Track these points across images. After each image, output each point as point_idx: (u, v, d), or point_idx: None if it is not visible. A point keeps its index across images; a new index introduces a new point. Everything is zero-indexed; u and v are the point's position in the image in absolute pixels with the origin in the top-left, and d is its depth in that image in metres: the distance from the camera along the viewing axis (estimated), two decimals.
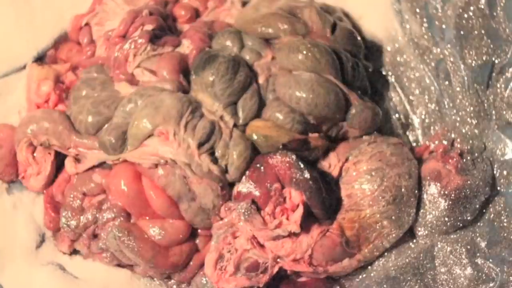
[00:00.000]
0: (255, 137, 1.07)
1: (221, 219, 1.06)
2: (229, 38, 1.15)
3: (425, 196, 1.10)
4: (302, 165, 1.02)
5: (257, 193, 1.04)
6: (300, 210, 1.01)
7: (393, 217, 1.07)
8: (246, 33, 1.15)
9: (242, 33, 1.16)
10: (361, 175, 1.08)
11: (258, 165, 1.05)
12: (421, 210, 1.10)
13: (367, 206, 1.06)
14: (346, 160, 1.10)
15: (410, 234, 1.12)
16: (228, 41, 1.14)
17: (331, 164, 1.10)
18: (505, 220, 1.09)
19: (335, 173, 1.09)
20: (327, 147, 1.11)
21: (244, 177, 1.06)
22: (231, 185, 1.08)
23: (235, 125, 1.08)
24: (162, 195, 1.06)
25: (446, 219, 1.09)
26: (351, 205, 1.07)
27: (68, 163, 1.12)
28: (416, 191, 1.09)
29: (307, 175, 1.01)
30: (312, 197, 1.01)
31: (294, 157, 1.03)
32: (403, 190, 1.08)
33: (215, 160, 1.06)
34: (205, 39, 1.15)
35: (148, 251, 1.06)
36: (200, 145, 1.04)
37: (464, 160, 1.12)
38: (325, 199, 1.02)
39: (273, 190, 1.03)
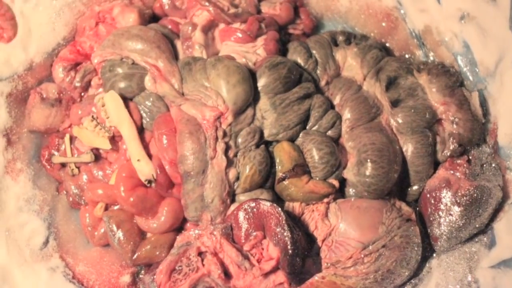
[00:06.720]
0: (276, 156, 1.06)
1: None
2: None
3: (438, 205, 1.06)
4: (287, 226, 0.97)
5: (239, 229, 1.01)
6: (272, 264, 0.97)
7: None
8: None
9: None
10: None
11: (250, 206, 1.00)
12: (435, 220, 1.06)
13: (354, 276, 1.01)
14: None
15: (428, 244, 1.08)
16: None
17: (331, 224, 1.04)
18: None
19: (327, 231, 1.04)
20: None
21: (238, 206, 1.01)
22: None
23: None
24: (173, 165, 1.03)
25: (461, 224, 1.05)
26: (337, 269, 1.02)
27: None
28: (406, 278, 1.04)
29: (288, 237, 0.96)
30: (285, 260, 0.96)
31: (283, 214, 0.97)
32: (395, 274, 1.02)
33: (231, 163, 1.03)
34: None
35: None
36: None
37: (473, 166, 1.09)
38: (296, 266, 0.97)
39: (253, 236, 0.99)
